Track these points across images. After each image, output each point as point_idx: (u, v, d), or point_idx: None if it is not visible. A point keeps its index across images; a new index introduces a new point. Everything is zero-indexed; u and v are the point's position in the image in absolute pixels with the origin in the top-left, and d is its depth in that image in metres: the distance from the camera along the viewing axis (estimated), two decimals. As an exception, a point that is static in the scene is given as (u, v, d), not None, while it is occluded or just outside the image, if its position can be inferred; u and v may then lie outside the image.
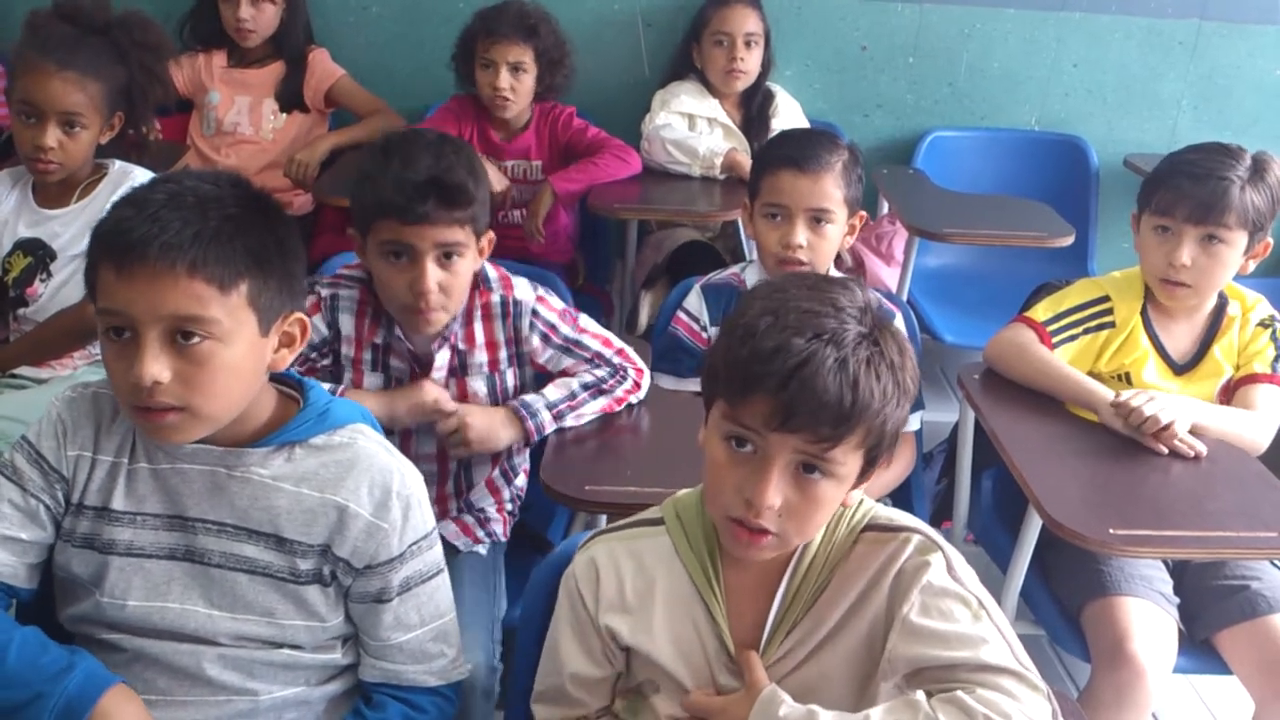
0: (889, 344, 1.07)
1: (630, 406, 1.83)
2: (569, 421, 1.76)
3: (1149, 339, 1.99)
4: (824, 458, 1.05)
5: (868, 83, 3.48)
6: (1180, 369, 2.00)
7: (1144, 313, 2.00)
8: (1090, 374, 1.97)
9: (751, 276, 2.08)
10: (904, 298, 2.87)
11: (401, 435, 1.78)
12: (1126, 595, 1.78)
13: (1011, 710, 1.01)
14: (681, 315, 2.07)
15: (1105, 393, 1.88)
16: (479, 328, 1.77)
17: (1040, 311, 2.03)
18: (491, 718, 1.58)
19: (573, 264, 3.11)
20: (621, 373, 1.82)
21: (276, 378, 1.30)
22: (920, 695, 1.04)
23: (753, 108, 3.16)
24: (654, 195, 2.89)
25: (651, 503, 1.26)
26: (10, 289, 2.06)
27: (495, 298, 1.78)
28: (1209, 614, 1.81)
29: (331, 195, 2.76)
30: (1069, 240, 2.79)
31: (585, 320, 1.84)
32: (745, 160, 2.88)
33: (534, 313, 1.78)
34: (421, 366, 1.76)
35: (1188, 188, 1.90)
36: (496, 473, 1.86)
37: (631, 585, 1.19)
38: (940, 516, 2.26)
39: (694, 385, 1.90)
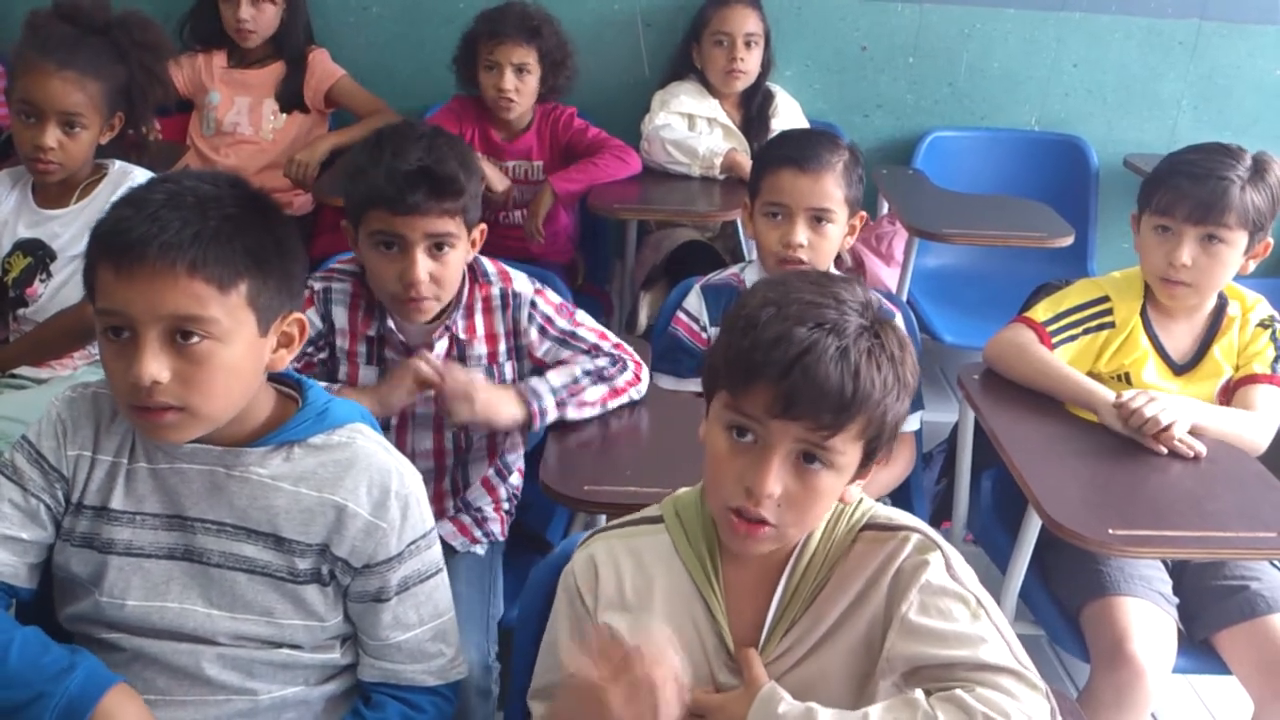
0: (889, 337, 1.08)
1: (632, 404, 1.82)
2: (571, 411, 1.74)
3: (1149, 339, 1.99)
4: (824, 447, 1.06)
5: (868, 83, 3.48)
6: (1180, 369, 2.00)
7: (1144, 313, 2.00)
8: (1090, 374, 1.97)
9: (751, 276, 2.08)
10: (904, 298, 2.87)
11: (398, 431, 1.78)
12: (1126, 595, 1.78)
13: (1010, 709, 1.01)
14: (681, 315, 2.07)
15: (1105, 393, 1.88)
16: (479, 320, 1.78)
17: (1040, 312, 2.03)
18: (488, 717, 1.58)
19: (572, 264, 3.12)
20: (621, 364, 1.82)
21: (275, 377, 1.30)
22: (919, 694, 1.04)
23: (752, 108, 3.16)
24: (653, 195, 2.89)
25: (651, 503, 1.26)
26: (10, 289, 2.06)
27: (495, 290, 1.79)
28: (1208, 614, 1.81)
29: (331, 195, 2.76)
30: (1069, 240, 2.79)
31: (582, 315, 1.84)
32: (745, 160, 2.88)
33: (532, 304, 1.79)
34: None
35: (1188, 187, 1.90)
36: (491, 470, 1.86)
37: (631, 583, 1.19)
38: (940, 517, 2.26)
39: (694, 385, 1.90)
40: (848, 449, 1.07)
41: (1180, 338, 2.01)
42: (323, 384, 1.54)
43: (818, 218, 1.96)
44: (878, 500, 1.21)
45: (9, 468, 1.26)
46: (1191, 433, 1.81)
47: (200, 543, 1.25)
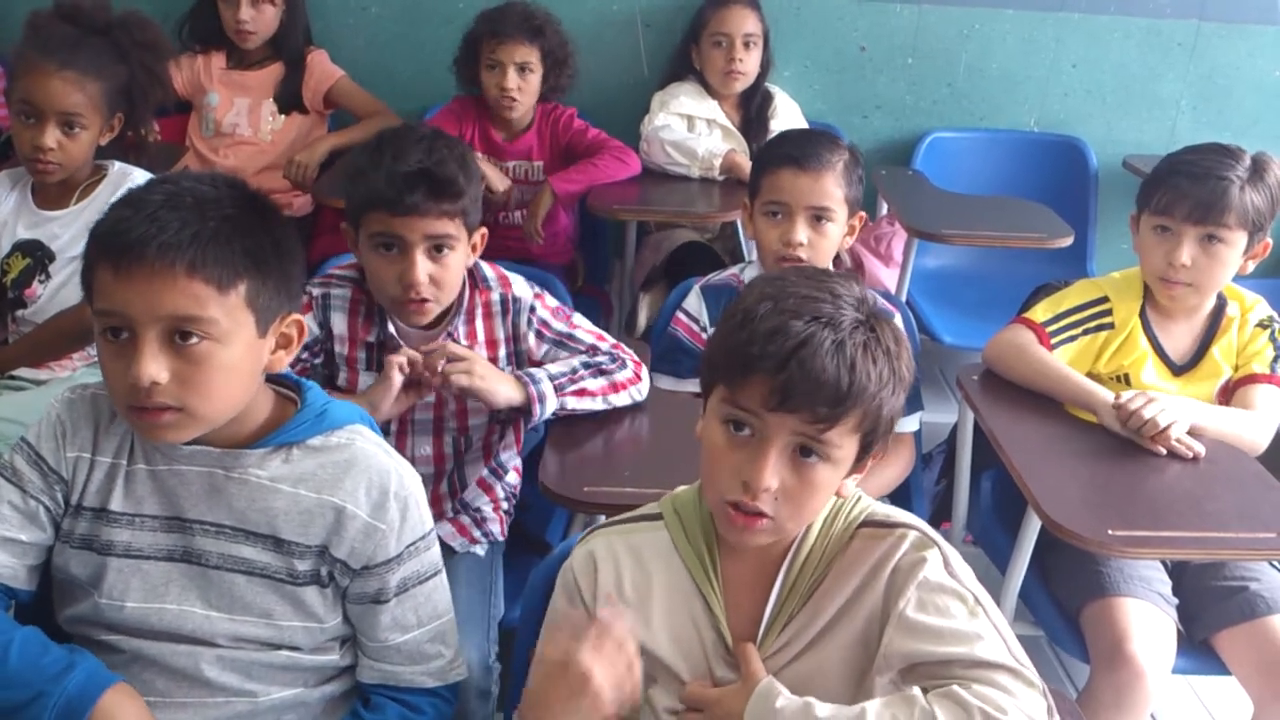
0: (885, 332, 1.09)
1: (634, 405, 1.81)
2: (571, 401, 1.72)
3: (1148, 340, 1.99)
4: (821, 440, 1.06)
5: (866, 84, 3.48)
6: (1179, 370, 2.00)
7: (1143, 313, 2.01)
8: (1089, 375, 1.97)
9: (750, 276, 2.08)
10: (903, 299, 2.87)
11: (398, 437, 1.78)
12: (1125, 596, 1.78)
13: (1007, 705, 1.01)
14: (681, 316, 2.07)
15: (1104, 394, 1.88)
16: (480, 325, 1.78)
17: (1039, 312, 2.03)
18: (488, 718, 1.58)
19: (572, 265, 3.12)
20: (620, 361, 1.81)
21: (274, 379, 1.30)
22: (916, 690, 1.05)
23: (751, 109, 3.16)
24: (653, 196, 2.89)
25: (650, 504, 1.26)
26: (9, 290, 2.06)
27: (495, 295, 1.79)
28: (1208, 615, 1.81)
29: (331, 196, 2.76)
30: (1068, 241, 2.79)
31: (579, 318, 1.84)
32: (744, 161, 2.88)
33: (531, 309, 1.79)
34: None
35: (1187, 187, 1.90)
36: (486, 470, 1.86)
37: (630, 579, 1.20)
38: (939, 517, 2.26)
39: (693, 386, 1.89)
40: (844, 442, 1.08)
41: (1179, 338, 2.01)
42: None
43: (818, 217, 1.96)
44: (877, 500, 1.21)
45: (8, 469, 1.26)
46: (1191, 433, 1.81)
47: (199, 544, 1.25)
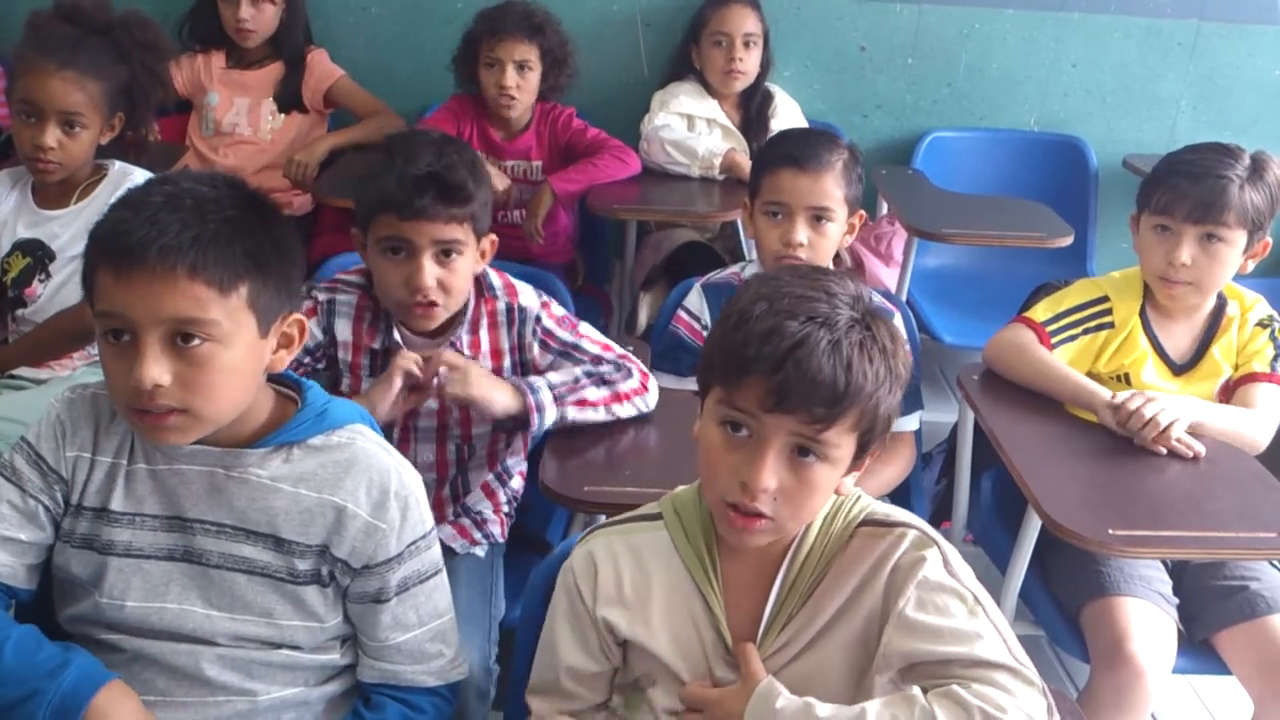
0: (880, 330, 1.09)
1: (642, 416, 1.78)
2: (572, 411, 1.71)
3: (1148, 339, 1.99)
4: (818, 439, 1.06)
5: (866, 83, 3.48)
6: (1179, 369, 2.00)
7: (1143, 313, 2.00)
8: (1089, 374, 1.97)
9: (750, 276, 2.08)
10: (903, 298, 2.87)
11: (400, 444, 1.77)
12: (1126, 596, 1.78)
13: (1007, 704, 1.01)
14: (682, 314, 2.07)
15: (1104, 394, 1.88)
16: (485, 335, 1.77)
17: (1039, 312, 2.03)
18: (487, 718, 1.58)
19: (572, 264, 3.12)
20: (625, 370, 1.78)
21: (274, 378, 1.30)
22: (916, 690, 1.05)
23: (752, 108, 3.16)
24: (653, 196, 2.89)
25: (650, 503, 1.26)
26: (9, 290, 2.06)
27: (500, 305, 1.77)
28: (1208, 614, 1.81)
29: (330, 196, 2.76)
30: (1068, 241, 2.79)
31: (586, 328, 1.82)
32: (744, 161, 2.88)
33: (537, 319, 1.77)
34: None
35: (1187, 186, 1.90)
36: (491, 476, 1.85)
37: (629, 579, 1.20)
38: (939, 517, 2.26)
39: (694, 384, 1.89)
40: (842, 441, 1.08)
41: (1179, 338, 2.01)
42: None
43: (818, 216, 1.96)
44: (877, 499, 1.21)
45: (8, 469, 1.26)
46: (1191, 431, 1.81)
47: (200, 544, 1.25)
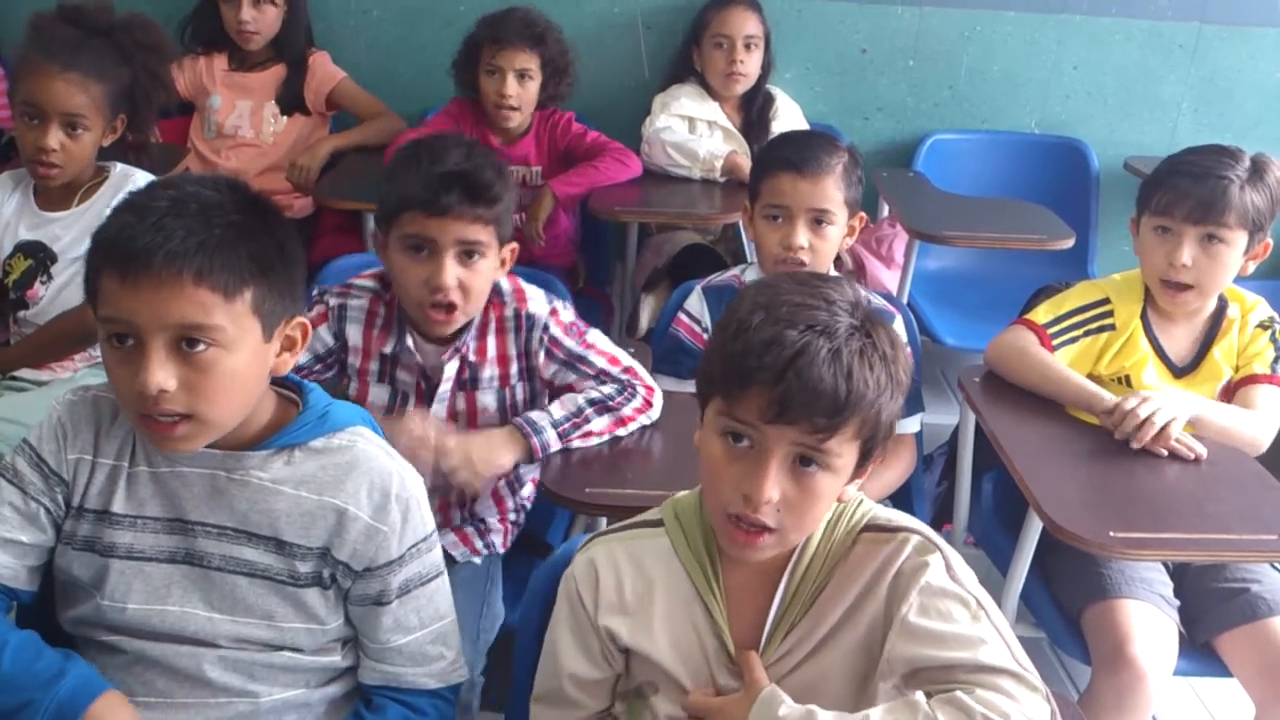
0: (880, 337, 1.08)
1: (643, 429, 1.77)
2: (576, 442, 1.70)
3: (1149, 341, 1.99)
4: (820, 449, 1.06)
5: (868, 85, 3.49)
6: (1180, 371, 2.00)
7: (1144, 315, 2.00)
8: (1090, 376, 1.97)
9: (752, 278, 2.08)
10: (904, 300, 2.87)
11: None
12: (1127, 598, 1.78)
13: (1010, 710, 1.01)
14: (683, 317, 2.07)
15: (1105, 396, 1.88)
16: (491, 341, 1.76)
17: (1040, 314, 2.03)
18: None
19: (573, 267, 3.11)
20: (630, 390, 1.76)
21: (276, 380, 1.30)
22: (919, 696, 1.04)
23: (753, 110, 3.16)
24: (654, 198, 2.89)
25: (652, 505, 1.26)
26: (10, 291, 2.07)
27: (509, 311, 1.76)
28: (1209, 617, 1.81)
29: (332, 198, 2.76)
30: (1069, 243, 2.79)
31: (593, 336, 1.80)
32: (745, 163, 2.88)
33: (545, 326, 1.76)
34: (429, 379, 1.75)
35: (1187, 187, 1.90)
36: (501, 483, 1.84)
37: (631, 586, 1.19)
38: (941, 519, 2.26)
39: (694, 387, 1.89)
40: (844, 450, 1.07)
41: (1180, 340, 2.01)
42: None
43: (818, 219, 1.96)
44: (878, 503, 1.21)
45: (9, 471, 1.26)
46: (1191, 425, 1.81)
47: (201, 546, 1.25)
